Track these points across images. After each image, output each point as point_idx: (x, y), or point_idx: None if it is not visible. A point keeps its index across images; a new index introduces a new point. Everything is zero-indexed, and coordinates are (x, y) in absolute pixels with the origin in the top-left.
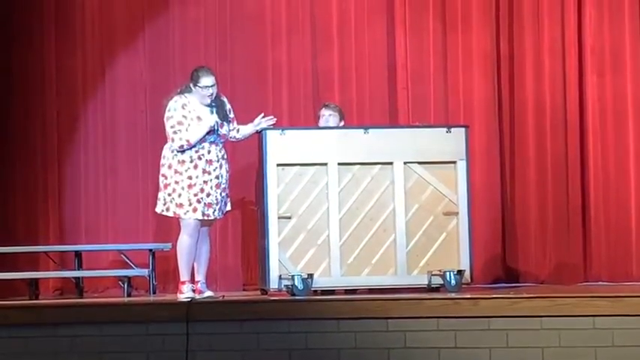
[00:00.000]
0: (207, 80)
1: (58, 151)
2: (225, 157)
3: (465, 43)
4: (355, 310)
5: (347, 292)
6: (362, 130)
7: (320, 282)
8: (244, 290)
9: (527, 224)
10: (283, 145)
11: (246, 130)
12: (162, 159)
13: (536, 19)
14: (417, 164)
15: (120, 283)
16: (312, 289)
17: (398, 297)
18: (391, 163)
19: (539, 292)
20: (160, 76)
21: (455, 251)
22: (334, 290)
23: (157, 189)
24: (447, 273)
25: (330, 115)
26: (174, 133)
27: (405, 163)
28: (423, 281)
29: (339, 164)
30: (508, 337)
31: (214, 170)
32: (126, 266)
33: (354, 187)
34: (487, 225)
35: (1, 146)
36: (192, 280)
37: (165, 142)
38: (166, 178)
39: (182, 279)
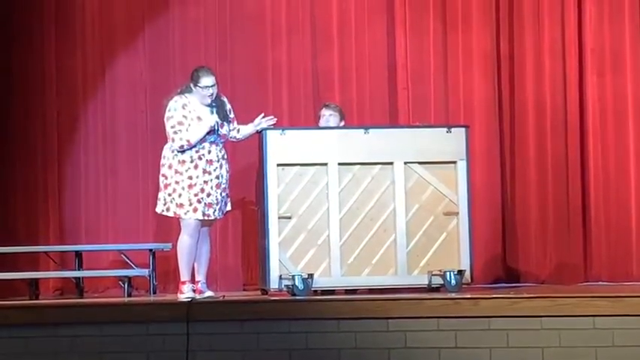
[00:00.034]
0: (207, 80)
1: (59, 151)
2: (226, 157)
3: (465, 43)
4: (355, 310)
5: (347, 292)
6: (362, 130)
7: (320, 282)
8: (244, 290)
9: (528, 224)
10: (283, 145)
11: (247, 130)
12: (162, 159)
13: (536, 19)
14: (417, 164)
15: (120, 283)
16: (313, 289)
17: (398, 297)
18: (391, 163)
19: (540, 292)
20: (160, 76)
21: (455, 251)
22: (334, 290)
23: (157, 189)
24: (448, 273)
25: (330, 115)
26: (175, 133)
27: (405, 163)
28: (424, 281)
29: (340, 164)
30: (508, 337)
31: (215, 170)
32: (126, 266)
33: (355, 187)
34: (487, 225)
35: (1, 146)
36: (193, 280)
37: (166, 142)
38: (167, 178)
39: (182, 279)
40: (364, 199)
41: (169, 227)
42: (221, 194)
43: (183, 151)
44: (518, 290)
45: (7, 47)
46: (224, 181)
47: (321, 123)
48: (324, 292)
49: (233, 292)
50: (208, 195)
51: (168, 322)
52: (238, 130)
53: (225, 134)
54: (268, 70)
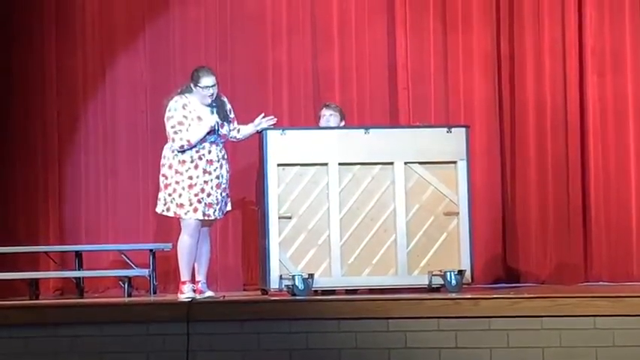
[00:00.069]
0: (207, 80)
1: (59, 151)
2: (226, 157)
3: (465, 43)
4: (356, 310)
5: (347, 292)
6: (362, 130)
7: (320, 282)
8: (245, 290)
9: (528, 224)
10: (284, 145)
11: (247, 130)
12: (162, 159)
13: (536, 20)
14: (417, 164)
15: (120, 283)
16: (313, 289)
17: (398, 297)
18: (392, 163)
19: (540, 292)
20: (161, 76)
21: (455, 251)
22: (335, 290)
23: (157, 189)
24: (448, 273)
25: (330, 115)
26: (175, 133)
27: (405, 163)
28: (424, 281)
29: (340, 164)
30: (509, 337)
31: (215, 170)
32: (126, 266)
33: (355, 187)
34: (488, 225)
35: (1, 146)
36: (193, 280)
37: (166, 142)
38: (167, 178)
39: (183, 279)
40: (364, 199)
41: (169, 227)
42: (221, 194)
43: (183, 151)
44: (518, 290)
45: (7, 47)
46: (224, 181)
47: (322, 123)
48: (325, 292)
49: (233, 292)
50: (208, 195)
51: (169, 322)
52: (238, 130)
53: (225, 134)
54: (268, 70)
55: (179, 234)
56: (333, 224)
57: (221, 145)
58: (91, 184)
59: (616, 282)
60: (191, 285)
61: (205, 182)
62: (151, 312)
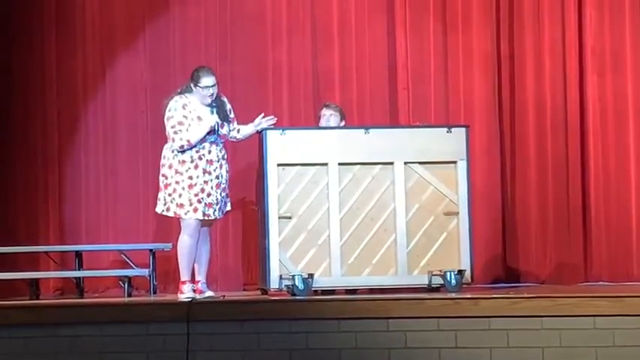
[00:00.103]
0: (207, 80)
1: (59, 151)
2: (226, 157)
3: (465, 43)
4: (356, 310)
5: (347, 292)
6: (362, 130)
7: (320, 282)
8: (245, 290)
9: (528, 224)
10: (284, 145)
11: (247, 130)
12: (162, 159)
13: (536, 20)
14: (417, 164)
15: (120, 283)
16: (313, 289)
17: (398, 297)
18: (392, 163)
19: (540, 292)
20: (161, 76)
21: (455, 251)
22: (335, 290)
23: (157, 189)
24: (448, 273)
25: (331, 115)
26: (175, 133)
27: (405, 163)
28: (424, 281)
29: (340, 164)
30: (509, 337)
31: (215, 170)
32: (126, 266)
33: (355, 187)
34: (488, 225)
35: (1, 146)
36: (193, 280)
37: (166, 142)
38: (167, 178)
39: (182, 279)
40: (364, 199)
41: (169, 227)
42: (221, 194)
43: (183, 151)
44: (518, 290)
45: (7, 47)
46: (224, 181)
47: (322, 123)
48: (325, 292)
49: (233, 292)
50: (208, 195)
51: (169, 322)
52: (238, 130)
53: (225, 134)
54: (268, 70)
55: (179, 234)
56: (333, 224)
57: (221, 145)
58: (91, 184)
59: (616, 282)
60: (191, 285)
61: (205, 182)
62: (151, 312)
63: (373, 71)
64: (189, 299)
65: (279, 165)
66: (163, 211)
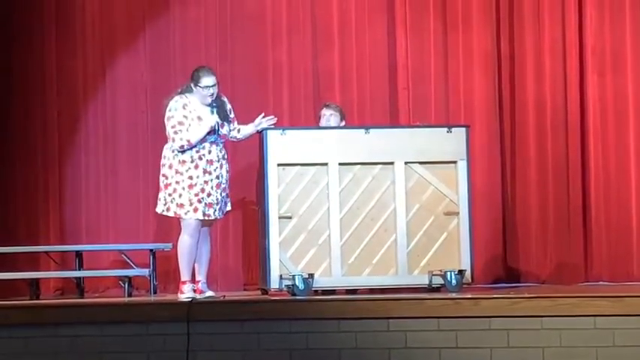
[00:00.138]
0: (208, 80)
1: (59, 151)
2: (226, 157)
3: (465, 43)
4: (356, 310)
5: (348, 292)
6: (363, 130)
7: (321, 282)
8: (245, 290)
9: (528, 224)
10: (284, 145)
11: (247, 130)
12: (162, 159)
13: (536, 19)
14: (417, 164)
15: (120, 283)
16: (313, 289)
17: (399, 297)
18: (392, 163)
19: (540, 292)
20: (161, 76)
21: (456, 251)
22: (335, 290)
23: (157, 189)
24: (448, 273)
25: (331, 114)
26: (175, 133)
27: (405, 163)
28: (424, 281)
29: (340, 164)
30: (509, 337)
31: (215, 170)
32: (127, 266)
33: (355, 187)
34: (488, 225)
35: (1, 146)
36: (193, 280)
37: (166, 142)
38: (167, 178)
39: (183, 279)
40: (365, 199)
41: (170, 227)
42: (221, 194)
43: (183, 151)
44: (518, 290)
45: (7, 47)
46: (224, 181)
47: (322, 123)
48: (325, 292)
49: (233, 292)
50: (209, 195)
51: (169, 322)
52: (239, 130)
53: (225, 134)
54: (269, 70)
55: (179, 234)
56: (334, 224)
57: (221, 145)
58: (91, 184)
59: (616, 282)
60: (191, 285)
61: (205, 182)
62: (151, 312)
63: (373, 71)
64: (190, 299)
65: (279, 165)
66: (163, 211)
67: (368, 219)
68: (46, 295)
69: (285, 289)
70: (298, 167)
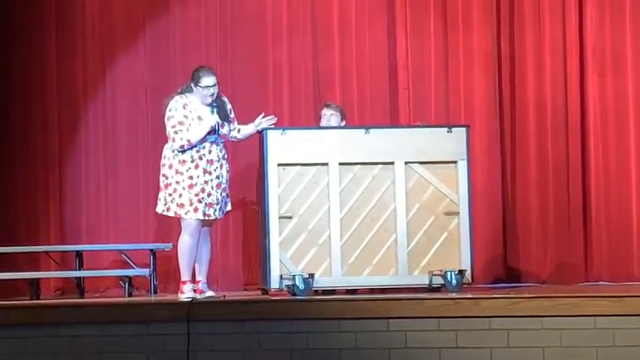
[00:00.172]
0: (208, 80)
1: (59, 151)
2: (226, 157)
3: (466, 43)
4: (356, 310)
5: (348, 292)
6: (363, 130)
7: (321, 282)
8: (245, 290)
9: (529, 224)
10: (284, 145)
11: (247, 130)
12: (162, 159)
13: (537, 19)
14: (418, 164)
15: (121, 283)
16: (313, 289)
17: (399, 297)
18: (392, 163)
19: (540, 292)
20: (161, 76)
21: (456, 251)
22: (335, 290)
23: (157, 189)
24: (448, 273)
25: (331, 114)
26: (175, 132)
27: (406, 163)
28: (424, 281)
29: (340, 164)
30: (509, 337)
31: (215, 170)
32: (127, 266)
33: (355, 187)
34: (488, 225)
35: (1, 146)
36: (194, 280)
37: (166, 142)
38: (167, 178)
39: (183, 279)
40: (365, 198)
41: (170, 227)
42: (221, 194)
43: (183, 151)
44: (518, 290)
45: (7, 47)
46: (224, 180)
47: (323, 123)
48: (325, 292)
49: (234, 292)
50: (209, 195)
51: (169, 322)
52: (239, 130)
53: (225, 134)
54: (269, 70)
55: (179, 234)
56: (334, 224)
57: (221, 145)
58: (91, 184)
59: (616, 282)
60: (191, 285)
61: (206, 182)
62: (151, 312)
63: (373, 71)
64: (190, 299)
65: (279, 165)
66: (164, 211)
67: (368, 219)
68: (46, 295)
69: (285, 289)
70: (298, 167)
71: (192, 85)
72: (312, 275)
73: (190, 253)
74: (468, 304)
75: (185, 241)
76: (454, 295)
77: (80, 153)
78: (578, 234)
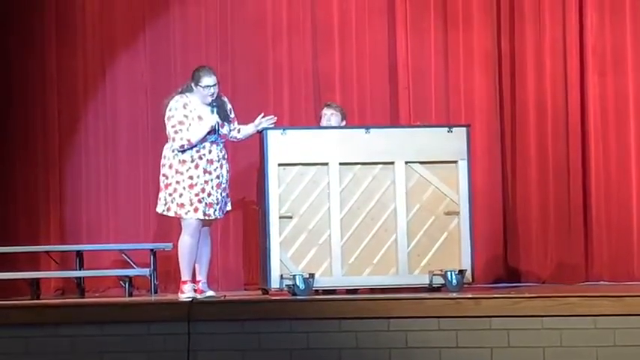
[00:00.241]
0: (208, 80)
1: (59, 151)
2: (226, 156)
3: (466, 42)
4: (357, 309)
5: (348, 291)
6: (363, 130)
7: (321, 282)
8: (245, 290)
9: (529, 224)
10: (284, 145)
11: (247, 130)
12: (162, 159)
13: (537, 19)
14: (418, 164)
15: (121, 282)
16: (314, 288)
17: (399, 297)
18: (392, 163)
19: (541, 291)
20: (161, 76)
21: (456, 251)
22: (335, 290)
23: (157, 189)
24: (449, 273)
25: (332, 114)
26: (175, 132)
27: (406, 162)
28: (425, 281)
29: (341, 164)
30: (509, 337)
31: (215, 170)
32: (127, 266)
33: (356, 186)
34: (488, 225)
35: (2, 146)
36: (194, 280)
37: (166, 142)
38: (167, 178)
39: (183, 279)
40: (365, 198)
41: (170, 227)
42: (221, 194)
43: (183, 151)
44: (519, 290)
45: (7, 47)
46: (224, 180)
47: (323, 122)
48: (325, 291)
49: (234, 291)
50: (209, 195)
51: (169, 321)
52: (239, 130)
53: (225, 134)
54: (269, 70)
55: (179, 234)
56: (334, 224)
57: (221, 145)
58: (91, 184)
59: (617, 281)
60: (192, 285)
61: (206, 182)
62: (151, 312)
63: (374, 71)
64: (190, 299)
65: (279, 165)
66: (164, 210)
67: (368, 219)
68: (46, 294)
69: (285, 288)
70: (299, 167)
71: (193, 84)
72: (312, 275)
73: (191, 253)
74: (468, 303)
75: (185, 241)
76: (454, 294)
77: (80, 153)
78: (578, 234)
